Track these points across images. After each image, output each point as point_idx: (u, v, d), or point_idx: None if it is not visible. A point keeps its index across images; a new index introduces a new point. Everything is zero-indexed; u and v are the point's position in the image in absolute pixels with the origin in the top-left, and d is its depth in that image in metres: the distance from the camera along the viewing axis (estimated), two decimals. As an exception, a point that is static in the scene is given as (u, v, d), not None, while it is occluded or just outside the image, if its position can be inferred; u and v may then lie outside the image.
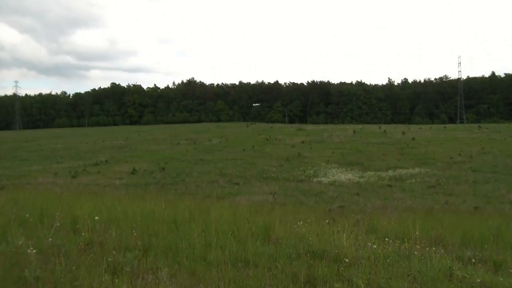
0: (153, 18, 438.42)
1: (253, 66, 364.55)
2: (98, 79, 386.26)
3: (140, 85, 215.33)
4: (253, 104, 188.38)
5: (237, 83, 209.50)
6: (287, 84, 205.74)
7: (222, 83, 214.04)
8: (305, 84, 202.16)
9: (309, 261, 7.59)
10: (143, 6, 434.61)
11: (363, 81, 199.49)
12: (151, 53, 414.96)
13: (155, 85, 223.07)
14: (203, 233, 9.22)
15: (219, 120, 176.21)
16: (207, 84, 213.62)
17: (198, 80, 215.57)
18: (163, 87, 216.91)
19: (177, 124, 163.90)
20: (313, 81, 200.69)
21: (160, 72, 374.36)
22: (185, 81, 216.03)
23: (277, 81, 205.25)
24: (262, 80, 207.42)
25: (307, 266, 7.32)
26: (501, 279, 7.30)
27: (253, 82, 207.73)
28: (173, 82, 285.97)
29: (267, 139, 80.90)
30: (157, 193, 25.57)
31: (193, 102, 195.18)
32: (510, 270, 7.92)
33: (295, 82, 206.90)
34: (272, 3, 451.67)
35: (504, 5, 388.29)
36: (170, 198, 17.57)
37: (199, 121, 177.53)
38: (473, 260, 8.49)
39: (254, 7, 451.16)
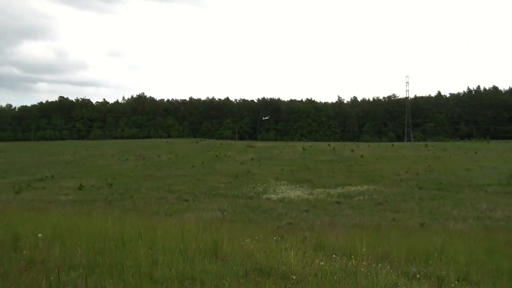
0: (103, 31, 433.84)
1: (204, 82, 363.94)
2: (45, 92, 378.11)
3: (89, 99, 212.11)
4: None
5: (187, 99, 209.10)
6: (237, 100, 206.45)
7: (173, 98, 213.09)
8: (256, 101, 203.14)
9: (257, 278, 7.56)
10: (93, 19, 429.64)
11: (313, 99, 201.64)
12: (100, 67, 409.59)
13: (104, 99, 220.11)
14: (150, 251, 9.09)
15: (168, 136, 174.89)
16: (157, 99, 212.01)
17: (148, 95, 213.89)
18: (113, 102, 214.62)
19: (126, 139, 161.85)
20: (263, 98, 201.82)
21: (109, 86, 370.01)
22: (135, 96, 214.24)
23: (227, 98, 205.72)
24: (213, 97, 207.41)
25: (254, 284, 7.30)
26: (444, 294, 7.43)
27: (203, 98, 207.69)
28: (123, 97, 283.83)
29: (216, 156, 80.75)
30: (104, 209, 25.16)
31: (143, 118, 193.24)
32: (452, 285, 8.08)
33: (246, 98, 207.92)
34: (222, 20, 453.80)
35: (449, 27, 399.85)
36: (117, 215, 17.29)
37: (148, 136, 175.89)
38: (418, 276, 8.60)
39: (204, 24, 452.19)
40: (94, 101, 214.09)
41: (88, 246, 9.31)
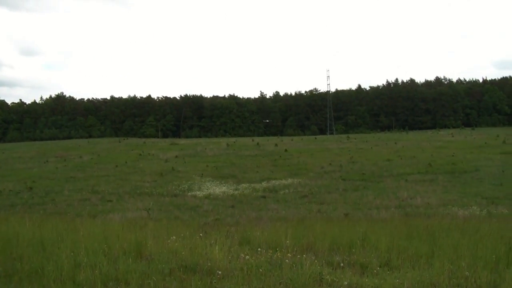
0: (15, 29, 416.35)
1: (125, 81, 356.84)
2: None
3: (3, 100, 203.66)
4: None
5: (108, 98, 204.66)
6: (159, 98, 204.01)
7: (93, 97, 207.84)
8: (178, 98, 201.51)
9: (182, 275, 7.50)
10: (4, 16, 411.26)
11: (235, 95, 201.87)
12: (13, 66, 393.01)
13: (20, 100, 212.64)
14: (72, 253, 8.82)
15: (90, 136, 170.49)
16: (77, 99, 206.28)
17: (67, 95, 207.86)
18: (30, 102, 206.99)
19: (46, 141, 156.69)
20: (185, 95, 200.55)
21: (25, 86, 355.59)
22: (53, 96, 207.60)
23: (149, 96, 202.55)
24: (135, 95, 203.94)
25: (179, 281, 7.24)
26: (367, 280, 7.64)
27: (125, 96, 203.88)
28: (41, 97, 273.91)
29: (140, 154, 79.67)
30: (23, 214, 24.34)
31: (63, 118, 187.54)
32: (375, 271, 8.31)
33: (168, 96, 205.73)
34: (142, 17, 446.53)
35: (368, 22, 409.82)
36: (37, 219, 16.73)
37: (69, 137, 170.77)
38: (342, 264, 8.77)
39: (123, 19, 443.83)
40: (9, 102, 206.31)
41: (5, 253, 8.96)
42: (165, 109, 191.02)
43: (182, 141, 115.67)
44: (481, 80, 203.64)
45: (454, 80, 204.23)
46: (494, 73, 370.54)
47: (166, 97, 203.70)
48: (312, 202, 36.44)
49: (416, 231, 13.08)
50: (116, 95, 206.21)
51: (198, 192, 42.32)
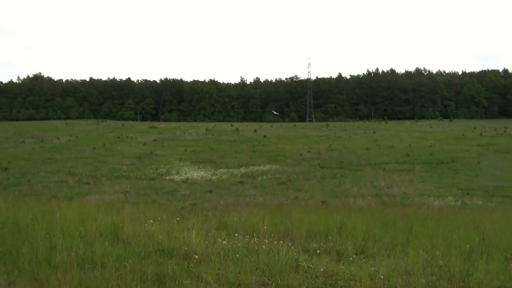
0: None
1: (104, 62, 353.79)
2: None
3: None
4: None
5: (87, 79, 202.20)
6: (139, 81, 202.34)
7: (72, 79, 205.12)
8: (158, 81, 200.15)
9: (159, 259, 7.47)
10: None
11: (216, 80, 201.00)
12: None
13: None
14: (47, 236, 8.75)
15: (68, 118, 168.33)
16: (55, 79, 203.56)
17: (45, 76, 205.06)
18: (6, 82, 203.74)
19: (22, 121, 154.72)
20: (166, 79, 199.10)
21: (1, 65, 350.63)
22: (31, 76, 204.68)
23: (129, 78, 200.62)
24: (114, 77, 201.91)
25: (156, 264, 7.22)
26: (343, 267, 7.69)
27: (104, 78, 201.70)
28: (18, 77, 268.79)
29: (118, 137, 79.15)
30: (-2, 195, 24.07)
31: (40, 98, 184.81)
32: (351, 259, 8.38)
33: (148, 79, 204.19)
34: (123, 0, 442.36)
35: (350, 11, 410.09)
36: (12, 200, 16.55)
37: (46, 118, 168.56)
38: (318, 251, 8.83)
39: (104, 0, 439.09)
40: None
41: (-22, 235, 8.86)
42: (145, 92, 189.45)
43: (161, 125, 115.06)
44: (460, 73, 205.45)
45: (434, 71, 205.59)
46: (473, 66, 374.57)
47: (146, 80, 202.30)
48: (289, 189, 36.61)
49: (393, 220, 13.20)
50: (95, 77, 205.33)
51: (176, 176, 42.25)
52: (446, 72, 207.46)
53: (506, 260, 7.98)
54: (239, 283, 6.72)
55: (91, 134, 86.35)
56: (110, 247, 8.21)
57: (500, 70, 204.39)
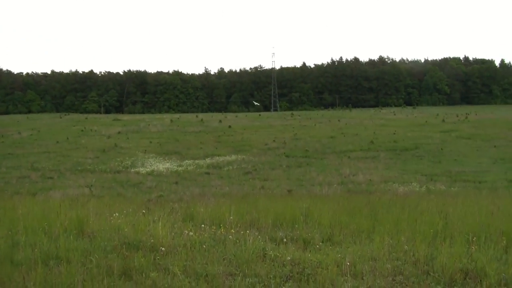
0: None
1: (66, 54, 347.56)
2: None
3: None
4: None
5: (49, 72, 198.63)
6: (102, 73, 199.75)
7: (33, 72, 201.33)
8: (121, 73, 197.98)
9: (125, 252, 7.43)
10: None
11: (180, 71, 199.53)
12: None
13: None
14: (9, 232, 8.63)
15: (29, 112, 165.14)
16: (15, 72, 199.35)
17: (4, 69, 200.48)
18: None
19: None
20: (129, 70, 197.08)
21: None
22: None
23: (91, 70, 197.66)
24: (76, 69, 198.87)
25: (122, 258, 7.18)
26: (309, 255, 7.76)
27: (66, 71, 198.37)
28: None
29: (82, 130, 78.07)
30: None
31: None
32: (317, 246, 8.45)
33: (111, 71, 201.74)
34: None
35: (318, 1, 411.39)
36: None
37: (6, 112, 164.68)
38: (285, 240, 8.89)
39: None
40: None
41: None
42: (108, 84, 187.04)
43: (125, 117, 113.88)
44: (422, 61, 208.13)
45: (397, 59, 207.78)
46: (435, 54, 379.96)
47: (109, 72, 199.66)
48: (255, 179, 36.70)
49: (358, 207, 13.33)
50: (57, 70, 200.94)
51: (141, 169, 41.97)
52: (409, 60, 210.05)
53: (468, 243, 8.17)
54: (206, 274, 6.73)
55: (53, 128, 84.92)
56: (75, 242, 8.14)
57: (461, 58, 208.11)
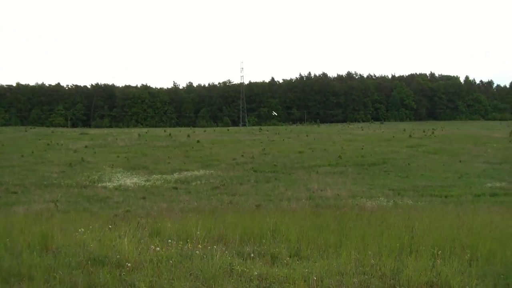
0: None
1: (32, 67, 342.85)
2: None
3: None
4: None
5: (14, 85, 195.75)
6: (69, 86, 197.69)
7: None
8: (89, 86, 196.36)
9: (90, 268, 7.34)
10: None
11: (148, 84, 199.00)
12: None
13: None
14: (-31, 250, 8.45)
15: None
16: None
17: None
18: None
19: None
20: (97, 84, 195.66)
21: None
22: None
23: (58, 83, 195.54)
24: (43, 82, 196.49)
25: (87, 274, 7.09)
26: (277, 270, 7.76)
27: (32, 84, 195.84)
28: None
29: (48, 144, 76.87)
30: None
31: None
32: (285, 261, 8.47)
33: (78, 84, 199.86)
34: (53, 2, 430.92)
35: (282, 15, 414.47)
36: None
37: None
38: (252, 255, 8.87)
39: (33, 4, 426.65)
40: None
41: None
42: (75, 97, 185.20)
43: (93, 131, 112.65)
44: (390, 76, 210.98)
45: (365, 75, 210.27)
46: (402, 70, 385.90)
47: (76, 86, 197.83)
48: (224, 194, 36.58)
49: (326, 222, 13.37)
50: (23, 82, 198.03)
51: (108, 183, 41.52)
52: (377, 75, 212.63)
53: (434, 256, 8.26)
54: (173, 290, 6.66)
55: (18, 142, 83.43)
56: (39, 258, 7.99)
57: (427, 74, 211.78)
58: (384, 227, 12.04)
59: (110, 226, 11.09)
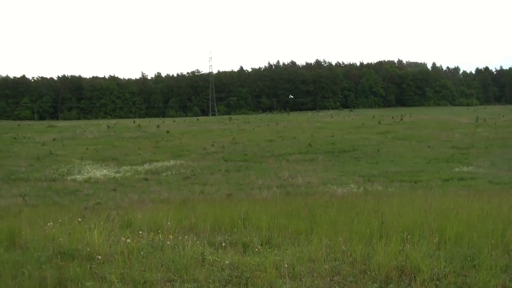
0: None
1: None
2: None
3: None
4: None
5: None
6: (35, 78, 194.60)
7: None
8: (55, 78, 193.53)
9: (60, 262, 7.25)
10: None
11: (116, 76, 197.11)
12: None
13: None
14: None
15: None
16: None
17: None
18: None
19: None
20: (63, 76, 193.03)
21: None
22: None
23: (24, 76, 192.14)
24: (7, 75, 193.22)
25: (57, 268, 7.00)
26: (248, 258, 7.81)
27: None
28: None
29: (14, 138, 75.51)
30: None
31: None
32: (256, 249, 8.51)
33: (45, 76, 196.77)
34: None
35: (251, 3, 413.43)
36: None
37: None
38: (224, 244, 8.91)
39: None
40: None
41: None
42: (42, 90, 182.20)
43: (61, 124, 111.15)
44: (358, 64, 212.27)
45: (333, 63, 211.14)
46: (370, 57, 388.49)
47: (42, 78, 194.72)
48: (194, 184, 36.54)
49: (296, 209, 13.43)
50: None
51: (78, 176, 41.09)
52: (345, 63, 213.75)
53: (403, 241, 8.37)
54: (144, 281, 6.66)
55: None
56: (6, 253, 7.88)
57: (395, 61, 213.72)
58: (354, 214, 12.13)
59: (80, 219, 10.97)
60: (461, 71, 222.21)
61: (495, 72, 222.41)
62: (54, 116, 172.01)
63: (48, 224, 10.36)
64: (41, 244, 8.56)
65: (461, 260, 7.59)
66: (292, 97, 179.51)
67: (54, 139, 72.45)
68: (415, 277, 6.79)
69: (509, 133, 66.17)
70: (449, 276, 6.84)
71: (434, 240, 8.77)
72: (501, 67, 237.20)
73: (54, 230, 9.73)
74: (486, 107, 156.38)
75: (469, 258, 7.72)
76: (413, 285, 6.60)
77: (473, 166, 41.76)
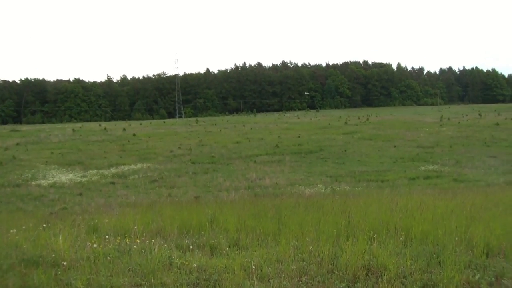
0: None
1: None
2: None
3: None
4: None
5: None
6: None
7: None
8: (18, 81, 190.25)
9: (23, 270, 7.11)
10: None
11: (81, 78, 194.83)
12: None
13: None
14: None
15: None
16: None
17: None
18: None
19: None
20: (26, 79, 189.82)
21: None
22: None
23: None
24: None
25: (20, 276, 6.86)
26: (216, 260, 7.81)
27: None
28: None
29: (-24, 143, 74.21)
30: None
31: None
32: (224, 252, 8.51)
33: (6, 79, 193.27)
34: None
35: (215, 5, 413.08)
36: None
37: None
38: (191, 247, 8.89)
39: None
40: None
41: None
42: (4, 93, 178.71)
43: (24, 128, 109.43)
44: (324, 65, 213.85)
45: (300, 64, 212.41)
46: (336, 58, 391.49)
47: (4, 81, 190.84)
48: (162, 187, 36.33)
49: (264, 211, 13.44)
50: None
51: (43, 181, 40.46)
52: (311, 64, 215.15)
53: (370, 240, 8.46)
54: (111, 286, 6.62)
55: None
56: (-35, 264, 7.69)
57: (361, 62, 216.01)
58: (321, 214, 12.19)
59: (44, 225, 10.84)
60: (425, 71, 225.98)
61: (458, 72, 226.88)
62: (17, 120, 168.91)
63: (11, 231, 10.14)
64: (4, 252, 8.37)
65: (426, 257, 7.70)
66: (308, 93, 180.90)
67: (17, 144, 71.12)
68: (381, 275, 6.87)
69: (472, 132, 67.56)
70: (415, 274, 6.95)
71: (401, 239, 8.89)
72: (463, 67, 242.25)
73: (17, 237, 9.54)
74: (450, 106, 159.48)
75: (434, 255, 7.83)
76: (380, 283, 6.67)
77: (438, 165, 42.45)
